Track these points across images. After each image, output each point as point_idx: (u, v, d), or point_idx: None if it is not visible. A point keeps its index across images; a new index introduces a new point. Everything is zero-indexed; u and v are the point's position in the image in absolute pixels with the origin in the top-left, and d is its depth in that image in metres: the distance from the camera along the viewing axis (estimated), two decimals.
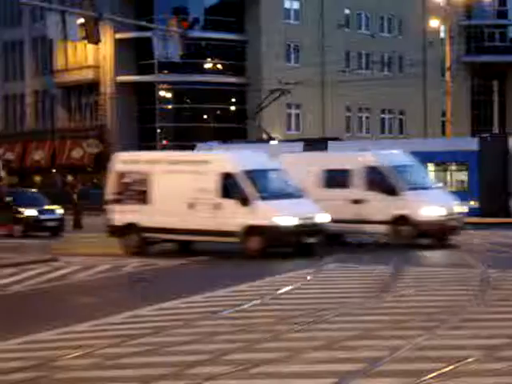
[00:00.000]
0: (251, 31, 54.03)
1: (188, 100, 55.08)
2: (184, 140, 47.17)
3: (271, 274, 17.11)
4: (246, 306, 12.99)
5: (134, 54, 54.24)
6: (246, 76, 54.30)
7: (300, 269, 17.80)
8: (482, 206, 33.88)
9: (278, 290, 14.82)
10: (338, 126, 55.90)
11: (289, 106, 54.82)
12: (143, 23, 42.81)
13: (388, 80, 55.82)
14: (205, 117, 54.62)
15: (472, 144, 35.04)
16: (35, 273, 18.35)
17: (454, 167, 35.67)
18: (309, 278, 16.61)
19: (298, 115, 55.54)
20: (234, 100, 55.28)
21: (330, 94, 54.24)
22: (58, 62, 56.92)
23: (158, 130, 52.94)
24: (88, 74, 55.18)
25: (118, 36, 53.34)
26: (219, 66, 54.35)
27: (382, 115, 60.33)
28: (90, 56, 55.33)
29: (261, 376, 8.42)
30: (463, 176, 35.39)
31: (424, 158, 31.63)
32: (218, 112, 55.11)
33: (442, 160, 34.99)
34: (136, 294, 15.64)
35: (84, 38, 23.59)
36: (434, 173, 34.59)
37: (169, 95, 54.65)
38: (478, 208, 33.62)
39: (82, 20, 22.81)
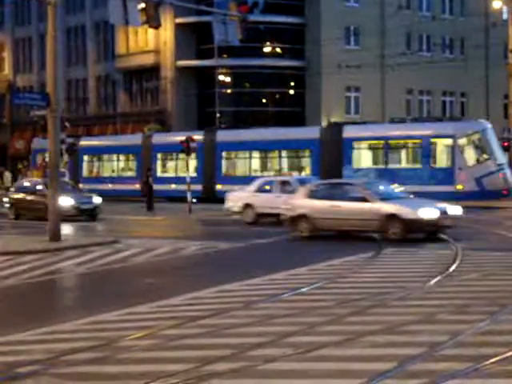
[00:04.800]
0: (311, 14, 53.74)
1: (247, 84, 55.16)
2: (243, 124, 47.27)
3: (330, 258, 17.08)
4: (305, 289, 13.01)
5: (194, 38, 54.53)
6: (305, 59, 54.09)
7: (359, 253, 17.72)
8: None
9: (337, 273, 14.80)
10: (398, 109, 55.36)
11: (348, 89, 54.47)
12: (203, 7, 43.00)
13: (449, 62, 55.01)
14: (263, 101, 54.63)
15: (315, 133, 38.41)
16: (97, 255, 18.65)
17: (301, 154, 39.39)
18: (369, 261, 16.55)
19: (357, 98, 55.13)
20: (292, 84, 55.13)
21: (390, 77, 53.66)
22: (120, 47, 57.52)
23: (218, 114, 53.15)
24: (149, 59, 55.66)
25: (179, 21, 53.67)
26: (278, 50, 54.22)
27: (443, 98, 59.51)
28: (151, 41, 55.79)
29: (320, 359, 8.44)
30: (307, 162, 38.87)
31: (275, 145, 38.65)
32: (277, 96, 55.06)
33: (292, 147, 38.96)
34: (196, 277, 15.79)
35: (145, 23, 23.73)
36: (286, 159, 39.47)
37: (228, 79, 54.80)
38: None
39: (142, 5, 22.94)
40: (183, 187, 35.20)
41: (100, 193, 33.70)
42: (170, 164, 43.52)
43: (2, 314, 12.20)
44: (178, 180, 39.59)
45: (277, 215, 25.05)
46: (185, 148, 34.08)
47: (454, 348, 8.77)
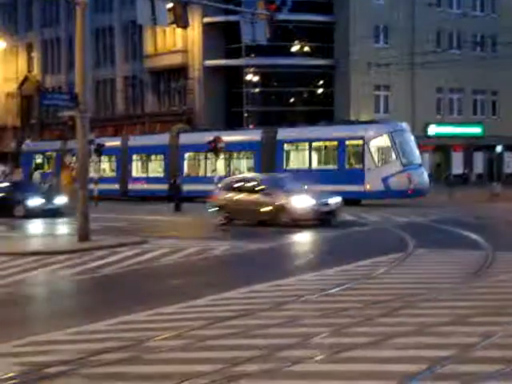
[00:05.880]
0: (339, 12, 53.55)
1: (275, 83, 55.09)
2: (271, 123, 47.22)
3: (360, 258, 16.96)
4: (334, 290, 12.91)
5: (221, 37, 54.55)
6: (333, 58, 53.88)
7: (389, 253, 17.58)
8: None
9: (367, 274, 14.68)
10: (428, 107, 55.00)
11: (377, 87, 54.18)
12: (231, 7, 42.97)
13: (480, 60, 54.51)
14: (292, 100, 54.52)
15: (257, 135, 40.73)
16: (125, 255, 18.68)
17: (248, 155, 41.47)
18: (397, 262, 16.40)
19: (386, 97, 54.83)
20: (321, 83, 54.95)
21: (420, 75, 53.33)
22: (148, 47, 57.71)
23: (246, 114, 53.11)
24: (177, 59, 55.81)
25: (206, 20, 53.74)
26: (307, 49, 54.08)
27: (474, 96, 59.01)
28: (179, 40, 55.93)
29: (350, 360, 8.36)
30: (251, 163, 41.23)
31: (227, 146, 38.89)
32: (306, 95, 54.93)
33: (241, 149, 41.42)
34: (224, 277, 15.75)
35: (173, 23, 23.76)
36: (236, 160, 41.95)
37: (256, 79, 54.74)
38: None
39: (170, 4, 22.97)
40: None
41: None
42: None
43: (31, 314, 12.25)
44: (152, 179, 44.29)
45: None
46: (212, 148, 34.25)
47: (485, 350, 8.65)
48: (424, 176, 36.63)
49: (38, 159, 52.20)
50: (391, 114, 53.53)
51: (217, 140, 34.29)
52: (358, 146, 37.09)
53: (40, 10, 67.63)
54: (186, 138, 43.70)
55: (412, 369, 7.90)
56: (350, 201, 35.61)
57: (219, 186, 28.35)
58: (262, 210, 25.16)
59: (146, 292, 13.87)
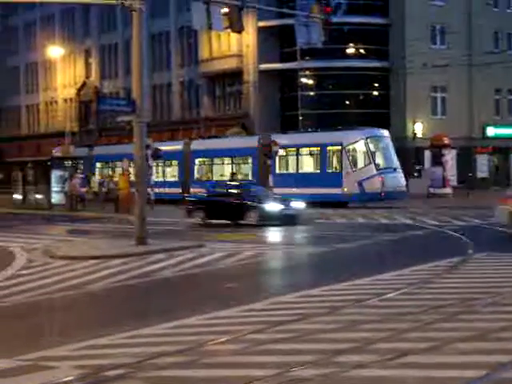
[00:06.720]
0: (395, 14, 53.15)
1: (330, 86, 54.89)
2: (326, 126, 47.07)
3: (418, 263, 16.78)
4: (391, 295, 12.79)
5: (276, 41, 54.60)
6: (389, 60, 53.48)
7: (448, 257, 17.36)
8: None
9: (425, 279, 14.51)
10: (486, 109, 54.21)
11: (434, 89, 53.61)
12: (285, 10, 42.99)
13: None
14: (347, 103, 54.26)
15: (254, 141, 42.83)
16: (182, 259, 18.80)
17: (246, 160, 43.74)
18: (456, 266, 16.18)
19: (443, 99, 54.20)
20: (377, 85, 54.59)
21: (478, 76, 52.60)
22: (203, 52, 58.05)
23: (300, 117, 53.04)
24: (232, 63, 56.00)
25: (261, 24, 53.83)
26: (362, 51, 53.77)
27: None
28: (234, 45, 56.12)
29: (408, 366, 8.26)
30: (249, 168, 43.56)
31: (228, 152, 44.23)
32: (361, 97, 54.62)
33: (240, 155, 44.02)
34: (280, 281, 15.73)
35: (228, 27, 23.87)
36: (236, 165, 44.58)
37: (311, 82, 54.62)
38: None
39: (225, 9, 23.09)
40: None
41: None
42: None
43: (89, 317, 12.40)
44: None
45: None
46: (267, 152, 34.60)
47: None
48: (398, 180, 38.06)
49: (67, 165, 54.74)
50: (448, 116, 52.92)
51: (272, 144, 34.35)
52: (337, 151, 39.45)
53: (97, 16, 68.62)
54: (196, 145, 47.07)
55: (471, 374, 7.79)
56: (335, 203, 37.77)
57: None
58: None
59: (201, 296, 13.93)
